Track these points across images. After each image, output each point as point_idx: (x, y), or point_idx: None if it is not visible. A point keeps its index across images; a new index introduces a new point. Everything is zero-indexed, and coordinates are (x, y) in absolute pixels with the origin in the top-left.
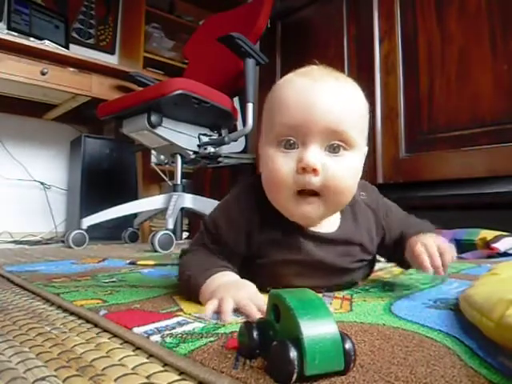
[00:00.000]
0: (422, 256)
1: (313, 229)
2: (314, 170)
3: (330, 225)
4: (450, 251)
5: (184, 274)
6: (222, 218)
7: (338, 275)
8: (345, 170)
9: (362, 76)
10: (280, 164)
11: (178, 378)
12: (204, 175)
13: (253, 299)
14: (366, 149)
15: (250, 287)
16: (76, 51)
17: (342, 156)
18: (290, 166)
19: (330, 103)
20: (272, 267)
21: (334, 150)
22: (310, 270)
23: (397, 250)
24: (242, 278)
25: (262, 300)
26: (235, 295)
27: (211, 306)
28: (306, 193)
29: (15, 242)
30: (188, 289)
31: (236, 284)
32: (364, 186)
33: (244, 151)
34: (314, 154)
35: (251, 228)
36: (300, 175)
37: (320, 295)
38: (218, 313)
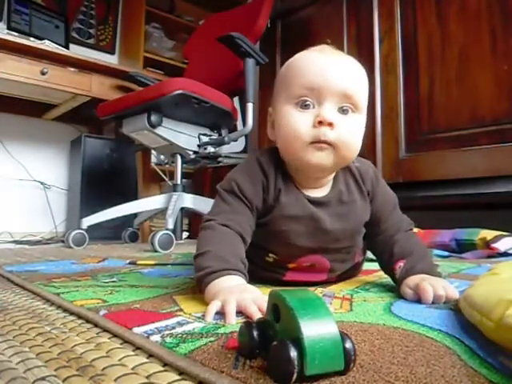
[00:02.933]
0: (427, 291)
1: (308, 193)
2: (330, 124)
3: (322, 190)
4: (454, 293)
5: (199, 258)
6: (241, 175)
7: (333, 237)
8: (353, 129)
9: None
10: (297, 119)
11: (177, 377)
12: (204, 175)
13: (256, 301)
14: (365, 118)
15: (254, 291)
16: (76, 51)
17: (350, 117)
18: (307, 121)
19: (342, 71)
20: (275, 223)
21: (343, 111)
22: (308, 229)
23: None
24: (253, 242)
25: (266, 302)
26: (238, 297)
27: (214, 307)
28: (319, 142)
29: (15, 241)
30: (197, 276)
31: (240, 287)
32: (361, 160)
33: (244, 151)
34: (330, 111)
35: (267, 180)
36: (316, 128)
37: (320, 295)
38: (221, 314)
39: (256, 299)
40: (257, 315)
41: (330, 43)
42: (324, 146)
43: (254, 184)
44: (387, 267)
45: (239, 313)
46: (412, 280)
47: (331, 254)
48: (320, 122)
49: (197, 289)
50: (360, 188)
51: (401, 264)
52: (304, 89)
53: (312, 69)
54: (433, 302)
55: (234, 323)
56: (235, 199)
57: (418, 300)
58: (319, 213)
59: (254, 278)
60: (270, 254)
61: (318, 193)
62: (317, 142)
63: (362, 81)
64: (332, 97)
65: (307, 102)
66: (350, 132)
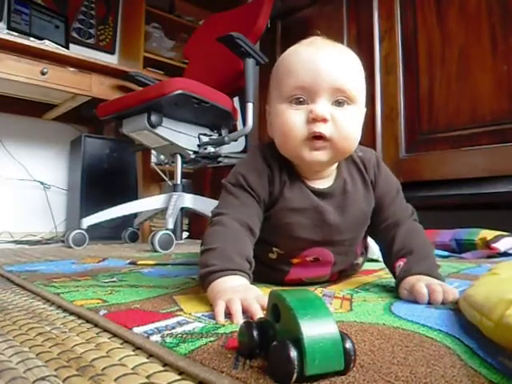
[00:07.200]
0: (421, 294)
1: (312, 184)
2: (324, 120)
3: (326, 181)
4: (453, 293)
5: (204, 255)
6: (247, 168)
7: (337, 229)
8: (350, 120)
9: None
10: (292, 116)
11: (178, 377)
12: (204, 175)
13: (258, 299)
14: (365, 110)
15: (256, 290)
16: (76, 51)
17: (346, 109)
18: (301, 118)
19: (333, 66)
20: (279, 216)
21: (339, 104)
22: (313, 221)
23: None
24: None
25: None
26: (242, 296)
27: (222, 307)
28: (315, 138)
29: (15, 241)
30: (200, 273)
31: (243, 287)
32: (364, 148)
33: (244, 151)
34: (323, 106)
35: (272, 173)
36: (311, 124)
37: (320, 295)
38: (228, 314)
39: (258, 297)
40: (259, 313)
41: (320, 34)
42: (319, 145)
43: (260, 177)
44: (388, 263)
45: (243, 312)
46: (408, 281)
47: (335, 247)
48: (314, 119)
49: (199, 286)
50: (363, 178)
51: (400, 263)
52: (295, 89)
53: (302, 67)
54: (431, 303)
55: (240, 322)
56: (242, 192)
57: (415, 301)
58: (323, 205)
59: (258, 279)
60: (274, 249)
61: (322, 184)
62: (312, 139)
63: (356, 72)
64: (324, 93)
65: (300, 99)
66: (346, 124)
